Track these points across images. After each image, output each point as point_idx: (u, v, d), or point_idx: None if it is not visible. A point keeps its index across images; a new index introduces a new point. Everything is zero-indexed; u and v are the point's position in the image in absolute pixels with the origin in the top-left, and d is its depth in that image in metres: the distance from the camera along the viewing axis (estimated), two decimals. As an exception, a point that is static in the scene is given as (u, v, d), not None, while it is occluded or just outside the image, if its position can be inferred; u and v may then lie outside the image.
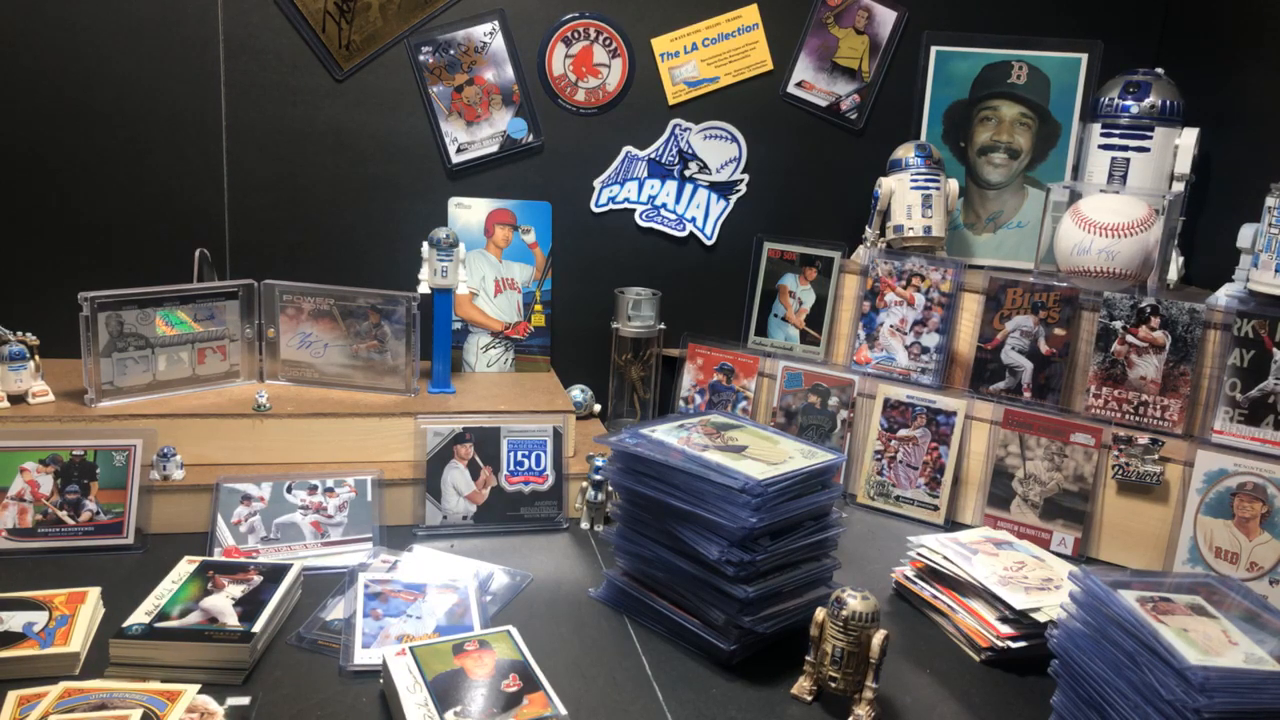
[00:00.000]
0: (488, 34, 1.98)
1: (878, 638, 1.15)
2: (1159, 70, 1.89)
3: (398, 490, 1.64)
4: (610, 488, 1.63)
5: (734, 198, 2.15)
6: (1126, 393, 1.71)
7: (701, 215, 2.15)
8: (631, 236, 2.14)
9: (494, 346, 2.05)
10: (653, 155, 2.11)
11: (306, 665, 1.22)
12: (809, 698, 1.21)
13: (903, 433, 1.85)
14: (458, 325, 2.00)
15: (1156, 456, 1.63)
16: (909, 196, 1.96)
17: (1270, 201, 1.61)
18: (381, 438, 1.70)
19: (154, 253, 1.92)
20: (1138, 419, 1.70)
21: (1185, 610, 1.07)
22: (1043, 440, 1.73)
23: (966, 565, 1.43)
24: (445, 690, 1.10)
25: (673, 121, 2.10)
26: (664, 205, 2.13)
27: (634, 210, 2.13)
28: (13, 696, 1.08)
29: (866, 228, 2.05)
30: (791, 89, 2.12)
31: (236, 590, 1.30)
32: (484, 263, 2.03)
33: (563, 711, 1.08)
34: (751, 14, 2.07)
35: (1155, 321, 1.68)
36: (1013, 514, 1.74)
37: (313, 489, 1.57)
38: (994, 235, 2.14)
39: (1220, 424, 1.62)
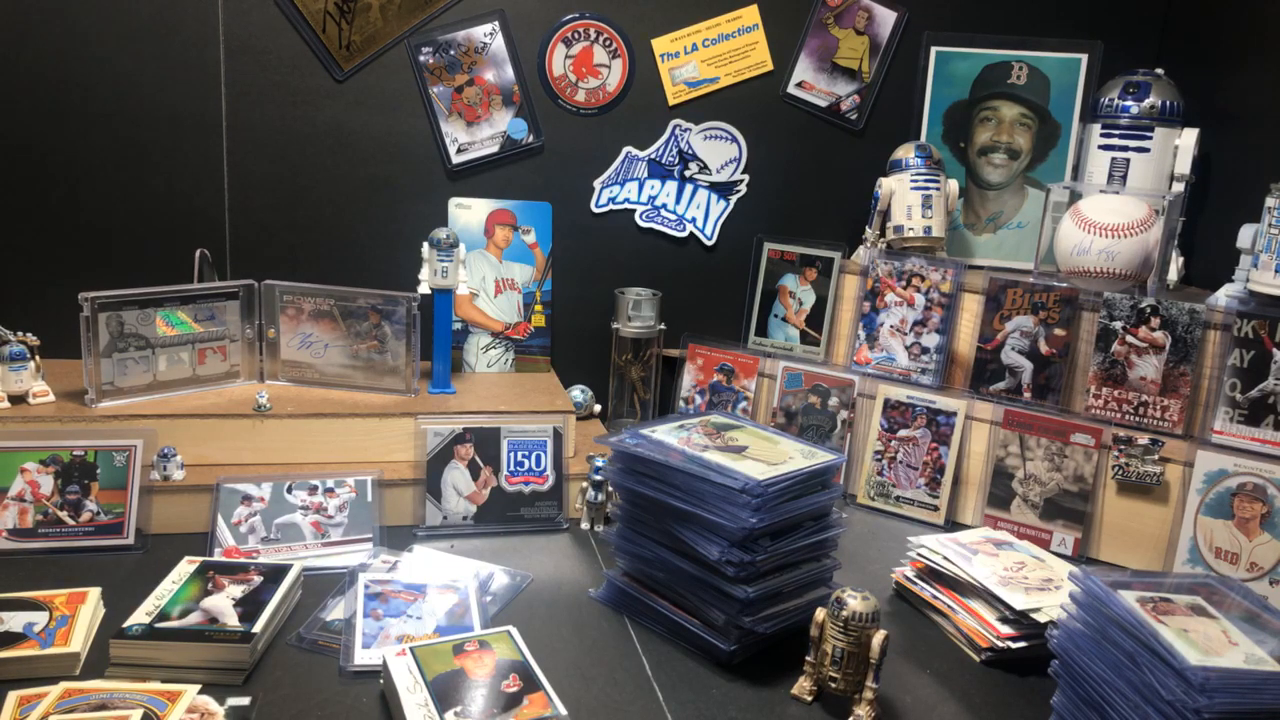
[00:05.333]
0: (488, 34, 1.98)
1: (878, 638, 1.15)
2: (1159, 70, 1.89)
3: (398, 490, 1.64)
4: (610, 488, 1.63)
5: (734, 198, 2.15)
6: (1126, 393, 1.71)
7: (701, 215, 2.15)
8: (631, 237, 2.14)
9: (494, 347, 2.05)
10: (653, 156, 2.11)
11: (306, 665, 1.22)
12: (809, 698, 1.21)
13: (903, 433, 1.85)
14: (458, 325, 2.00)
15: (1156, 457, 1.63)
16: (909, 197, 1.96)
17: (1270, 201, 1.61)
18: (382, 438, 1.70)
19: (154, 253, 1.92)
20: (1138, 419, 1.70)
21: (1185, 610, 1.07)
22: (1043, 440, 1.73)
23: (966, 565, 1.43)
24: (445, 690, 1.10)
25: (673, 122, 2.10)
26: (664, 206, 2.13)
27: (634, 211, 2.13)
28: (13, 697, 1.08)
29: (866, 228, 2.05)
30: (791, 89, 2.12)
31: (237, 590, 1.30)
32: (484, 263, 2.03)
33: (563, 712, 1.08)
34: (751, 14, 2.07)
35: (1155, 322, 1.68)
36: (1013, 514, 1.74)
37: (313, 489, 1.57)
38: (994, 235, 2.14)
39: (1220, 424, 1.62)
